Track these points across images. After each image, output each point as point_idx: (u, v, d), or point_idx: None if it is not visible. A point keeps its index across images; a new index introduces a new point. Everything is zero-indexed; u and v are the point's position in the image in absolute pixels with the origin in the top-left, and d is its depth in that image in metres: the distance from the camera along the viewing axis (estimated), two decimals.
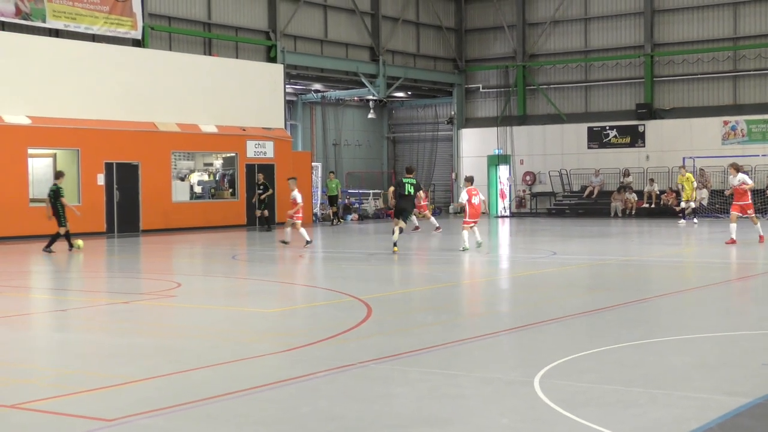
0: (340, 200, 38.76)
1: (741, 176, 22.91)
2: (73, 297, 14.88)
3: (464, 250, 21.29)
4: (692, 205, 32.99)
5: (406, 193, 21.96)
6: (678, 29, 40.39)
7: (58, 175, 24.01)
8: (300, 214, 24.45)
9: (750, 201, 23.05)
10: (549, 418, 6.62)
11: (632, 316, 11.64)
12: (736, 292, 14.17)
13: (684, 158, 37.10)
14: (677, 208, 35.30)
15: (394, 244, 21.20)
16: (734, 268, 18.18)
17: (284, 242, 24.22)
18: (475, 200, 21.77)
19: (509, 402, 7.15)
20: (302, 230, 23.95)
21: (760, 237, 22.49)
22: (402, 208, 21.89)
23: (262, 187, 32.21)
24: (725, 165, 37.49)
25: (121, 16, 31.21)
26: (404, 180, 22.16)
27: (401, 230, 21.70)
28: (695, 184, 33.54)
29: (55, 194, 23.50)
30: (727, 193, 23.17)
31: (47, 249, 22.83)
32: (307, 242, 23.59)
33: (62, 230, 23.28)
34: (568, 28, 42.91)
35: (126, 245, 26.20)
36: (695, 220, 32.97)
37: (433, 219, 30.07)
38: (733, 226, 22.46)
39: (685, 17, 40.21)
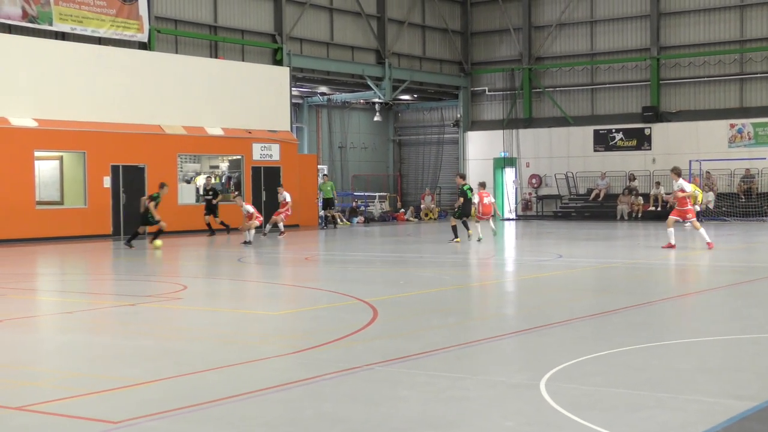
0: (337, 203, 38.71)
1: (680, 182, 22.67)
2: (79, 299, 14.90)
3: (479, 240, 25.55)
4: (696, 208, 32.94)
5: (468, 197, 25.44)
6: (684, 32, 40.35)
7: (162, 185, 26.18)
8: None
9: (690, 207, 22.77)
10: (555, 422, 6.60)
11: (638, 319, 11.62)
12: (741, 296, 14.14)
13: (690, 161, 37.04)
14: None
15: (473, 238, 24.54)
16: (739, 271, 18.14)
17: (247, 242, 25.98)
18: (486, 200, 25.62)
19: (514, 405, 7.14)
20: (250, 231, 26.44)
21: (708, 243, 22.00)
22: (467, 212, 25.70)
23: (211, 192, 31.59)
24: (732, 168, 37.56)
25: (128, 20, 31.26)
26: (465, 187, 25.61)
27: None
28: (697, 192, 33.47)
29: (152, 199, 25.71)
30: (668, 198, 22.61)
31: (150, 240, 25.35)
32: (247, 242, 25.95)
33: (162, 226, 25.47)
34: (574, 30, 42.89)
35: (132, 248, 26.23)
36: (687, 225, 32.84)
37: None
38: (671, 231, 22.21)
39: (691, 20, 40.18)
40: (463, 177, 27.49)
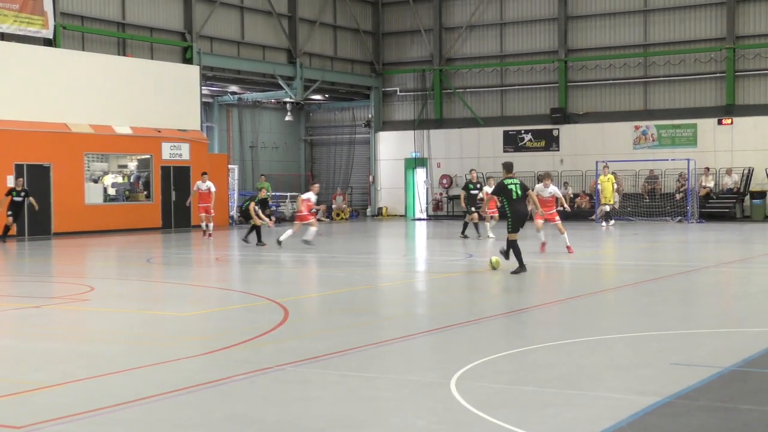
0: (271, 203, 38.66)
1: (553, 188, 23.02)
2: None
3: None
4: (606, 208, 33.68)
5: (515, 197, 17.21)
6: (591, 35, 41.15)
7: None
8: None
9: (555, 210, 22.83)
10: (465, 420, 6.67)
11: (547, 317, 11.81)
12: (646, 294, 14.47)
13: (597, 162, 37.77)
14: (600, 212, 36.02)
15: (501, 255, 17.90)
16: (645, 270, 18.57)
17: None
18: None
19: (426, 404, 7.20)
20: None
21: (568, 248, 21.69)
22: (522, 217, 17.43)
23: (23, 193, 28.28)
24: (637, 169, 38.41)
25: (32, 15, 30.55)
26: (507, 182, 17.34)
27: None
28: (615, 186, 34.29)
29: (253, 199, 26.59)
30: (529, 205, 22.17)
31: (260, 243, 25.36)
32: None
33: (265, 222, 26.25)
34: (484, 32, 43.37)
35: (37, 248, 25.66)
36: (612, 222, 33.65)
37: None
38: (541, 233, 22.29)
39: (597, 24, 40.99)
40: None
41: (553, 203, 22.79)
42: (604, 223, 33.63)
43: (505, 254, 17.21)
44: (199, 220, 29.37)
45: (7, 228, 27.88)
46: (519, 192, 17.14)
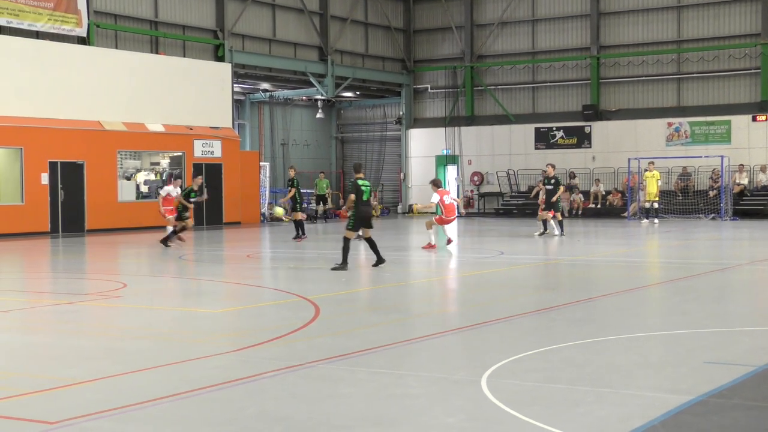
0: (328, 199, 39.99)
1: (436, 196, 22.74)
2: (16, 298, 14.65)
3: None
4: (655, 205, 33.68)
5: (365, 199, 17.91)
6: (623, 32, 40.87)
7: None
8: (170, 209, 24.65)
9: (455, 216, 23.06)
10: (496, 418, 6.65)
11: (579, 315, 11.74)
12: (679, 292, 14.36)
13: (629, 159, 37.54)
14: (633, 209, 35.94)
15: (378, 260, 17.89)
16: (678, 267, 18.43)
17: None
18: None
19: (456, 401, 7.17)
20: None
21: (428, 245, 22.21)
22: (365, 218, 18.03)
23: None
24: (670, 166, 38.11)
25: (66, 13, 30.80)
26: (360, 183, 17.95)
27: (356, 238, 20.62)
28: (659, 183, 34.21)
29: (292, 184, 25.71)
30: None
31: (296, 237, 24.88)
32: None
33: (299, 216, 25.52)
34: (515, 29, 43.20)
35: (70, 245, 25.87)
36: (656, 220, 33.49)
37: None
38: (432, 232, 22.46)
39: (630, 20, 40.71)
40: (553, 167, 27.58)
41: (453, 209, 22.91)
42: (645, 220, 33.56)
43: (343, 254, 17.41)
44: (168, 223, 24.76)
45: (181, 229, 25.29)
46: (369, 194, 18.00)
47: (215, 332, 10.85)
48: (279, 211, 24.33)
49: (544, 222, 26.84)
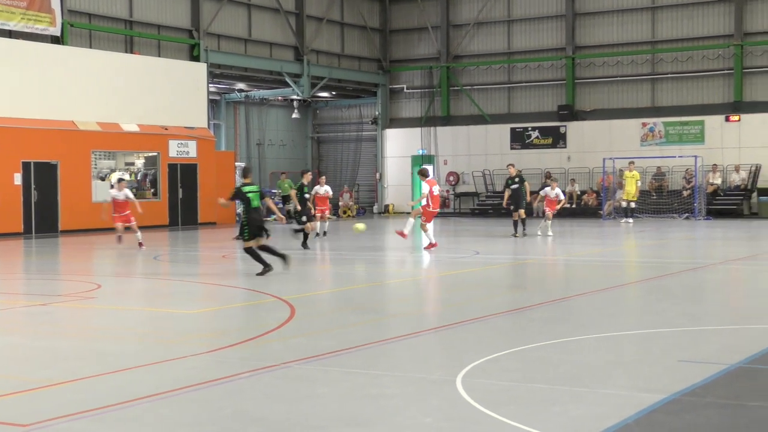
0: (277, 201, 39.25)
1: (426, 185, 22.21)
2: None
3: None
4: (632, 205, 34.01)
5: (254, 206, 16.92)
6: (598, 32, 41.07)
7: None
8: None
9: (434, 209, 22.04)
10: (472, 417, 6.67)
11: (554, 314, 11.80)
12: (653, 291, 14.46)
13: (604, 159, 37.73)
14: (608, 207, 36.23)
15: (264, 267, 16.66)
16: (653, 267, 18.55)
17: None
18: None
19: (432, 401, 7.19)
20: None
21: (430, 245, 21.58)
22: (258, 225, 16.81)
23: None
24: (644, 166, 38.33)
25: (39, 13, 30.59)
26: (246, 189, 17.04)
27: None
28: (639, 183, 34.56)
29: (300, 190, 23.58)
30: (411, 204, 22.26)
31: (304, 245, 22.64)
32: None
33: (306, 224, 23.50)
34: (491, 29, 43.31)
35: (44, 246, 25.71)
36: (630, 220, 33.74)
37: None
38: (428, 231, 21.87)
39: (605, 21, 40.91)
40: (514, 166, 27.43)
41: (435, 202, 22.34)
42: (623, 220, 33.81)
43: (257, 261, 16.60)
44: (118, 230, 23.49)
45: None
46: (258, 199, 16.96)
47: (191, 333, 10.82)
48: (360, 226, 23.10)
49: (521, 221, 26.64)
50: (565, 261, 19.89)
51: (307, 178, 23.94)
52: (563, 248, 23.35)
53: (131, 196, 23.81)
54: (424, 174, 22.77)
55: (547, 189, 26.66)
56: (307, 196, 23.46)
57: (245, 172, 17.81)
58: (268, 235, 16.86)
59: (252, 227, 16.56)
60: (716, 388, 7.43)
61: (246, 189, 16.86)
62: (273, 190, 42.79)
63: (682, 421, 6.53)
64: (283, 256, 16.41)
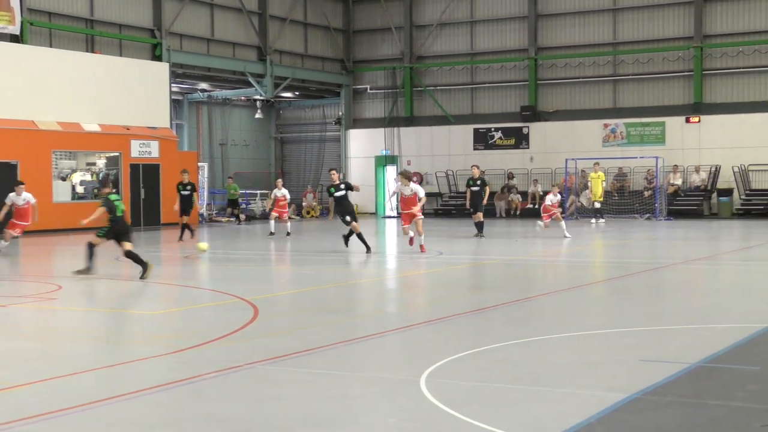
0: (241, 201, 39.65)
1: (413, 186, 21.54)
2: None
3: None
4: (597, 205, 34.33)
5: (120, 213, 17.21)
6: (560, 33, 41.33)
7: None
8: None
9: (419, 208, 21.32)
10: (435, 417, 6.69)
11: (517, 314, 11.86)
12: (615, 291, 14.57)
13: (567, 160, 37.98)
14: (571, 208, 36.54)
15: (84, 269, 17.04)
16: (614, 267, 18.70)
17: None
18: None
19: (396, 402, 7.20)
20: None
21: (422, 247, 20.99)
22: (117, 231, 17.20)
23: (189, 187, 27.29)
24: (606, 167, 38.63)
25: None
26: (112, 198, 17.32)
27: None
28: (604, 184, 34.88)
29: None
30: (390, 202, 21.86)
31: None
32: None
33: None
34: (454, 30, 43.44)
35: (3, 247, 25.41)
36: (602, 220, 34.02)
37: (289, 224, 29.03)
38: (407, 228, 21.32)
39: (567, 22, 41.17)
40: (478, 167, 27.51)
41: (414, 201, 21.36)
42: (593, 220, 34.06)
43: (87, 256, 16.95)
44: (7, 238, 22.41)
45: (184, 226, 26.62)
46: (122, 208, 17.32)
47: (153, 334, 10.75)
48: (202, 246, 21.49)
49: (477, 225, 26.46)
50: (527, 261, 19.99)
51: (335, 177, 23.19)
52: (526, 248, 23.46)
53: (32, 200, 22.17)
54: (410, 177, 21.93)
55: (550, 196, 26.60)
56: (339, 194, 22.43)
57: (105, 183, 18.11)
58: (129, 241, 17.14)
59: (111, 231, 16.98)
60: (677, 387, 7.50)
61: (113, 197, 17.26)
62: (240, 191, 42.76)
63: (644, 419, 6.59)
64: (144, 266, 16.47)
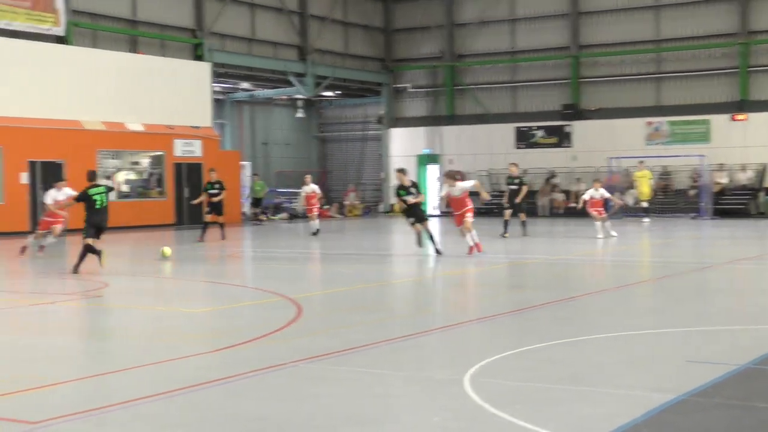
0: (266, 200, 39.41)
1: (461, 185, 20.53)
2: None
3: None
4: (644, 204, 34.02)
5: (99, 206, 17.73)
6: (602, 31, 40.99)
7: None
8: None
9: (470, 206, 20.48)
10: (479, 417, 6.64)
11: (561, 314, 11.76)
12: (661, 291, 14.41)
13: (610, 158, 37.67)
14: (613, 209, 36.17)
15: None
16: (659, 267, 18.50)
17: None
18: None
19: (439, 401, 7.16)
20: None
21: (470, 248, 20.10)
22: (97, 225, 17.85)
23: (217, 186, 26.74)
24: (650, 165, 38.26)
25: (44, 13, 30.60)
26: (92, 192, 17.78)
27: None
28: (651, 182, 34.56)
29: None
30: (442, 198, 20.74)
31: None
32: None
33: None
34: (495, 28, 43.25)
35: (51, 245, 25.70)
36: (647, 220, 33.65)
37: (316, 222, 28.41)
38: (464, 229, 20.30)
39: (609, 19, 40.82)
40: (516, 165, 27.46)
41: (464, 202, 20.43)
42: (646, 219, 33.60)
43: (79, 258, 17.59)
44: (39, 235, 22.33)
45: (205, 225, 26.68)
46: (104, 201, 17.74)
47: (196, 332, 10.80)
48: (166, 251, 20.55)
49: (506, 222, 26.26)
50: (571, 260, 19.84)
51: (403, 179, 20.94)
52: (570, 248, 23.30)
53: (72, 193, 21.33)
54: (454, 177, 20.88)
55: (591, 191, 25.61)
56: (410, 197, 20.53)
57: (91, 176, 18.23)
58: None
59: (91, 226, 17.57)
60: (725, 389, 7.38)
61: (92, 191, 17.60)
62: (280, 190, 42.92)
63: (691, 421, 6.49)
64: (77, 264, 17.22)
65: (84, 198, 17.69)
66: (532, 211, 39.50)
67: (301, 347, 9.42)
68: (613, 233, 25.40)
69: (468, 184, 20.75)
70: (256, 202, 39.03)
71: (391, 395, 7.35)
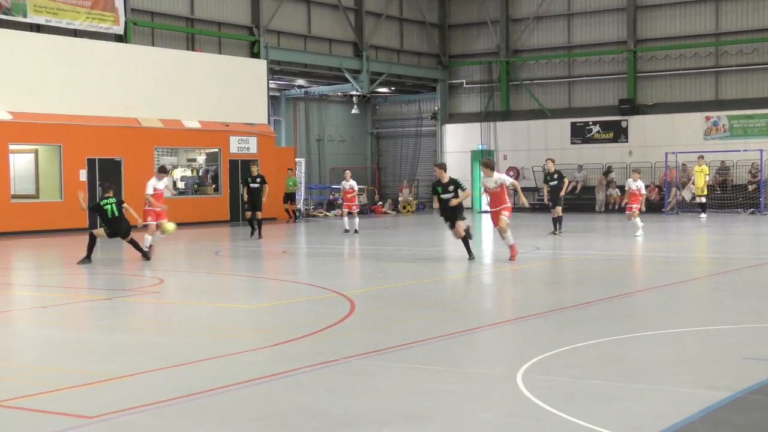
0: (299, 195, 38.92)
1: (498, 176, 18.43)
2: (54, 293, 14.80)
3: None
4: (702, 200, 33.66)
5: (110, 216, 18.90)
6: (660, 25, 40.52)
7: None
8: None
9: (508, 205, 18.45)
10: (532, 414, 6.62)
11: (615, 310, 11.67)
12: (717, 287, 14.23)
13: (667, 153, 37.24)
14: (671, 203, 35.80)
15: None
16: (716, 262, 18.26)
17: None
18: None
19: (492, 397, 7.16)
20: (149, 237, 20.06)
21: (511, 250, 18.27)
22: (114, 230, 19.11)
23: (258, 180, 26.63)
24: (708, 160, 37.76)
25: (103, 12, 31.06)
26: (103, 203, 19.00)
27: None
28: (707, 177, 34.19)
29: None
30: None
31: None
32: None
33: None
34: (551, 23, 42.97)
35: (108, 241, 26.05)
36: (704, 215, 33.21)
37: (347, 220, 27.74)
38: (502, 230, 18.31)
39: (667, 13, 40.34)
40: (553, 161, 27.71)
41: (503, 197, 18.53)
42: (703, 215, 33.19)
43: (88, 250, 18.90)
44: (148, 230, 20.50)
45: (250, 220, 26.45)
46: (116, 211, 18.99)
47: (252, 328, 10.90)
48: (169, 227, 20.08)
49: (555, 220, 25.85)
50: (626, 257, 19.66)
51: (442, 176, 18.45)
52: (626, 244, 23.08)
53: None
54: (492, 166, 18.64)
55: (629, 181, 24.74)
56: (446, 196, 18.28)
57: (106, 188, 19.50)
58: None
59: (110, 230, 19.07)
60: None
61: (103, 202, 18.87)
62: (335, 186, 43.05)
63: (748, 419, 6.41)
64: (88, 256, 18.59)
65: (96, 209, 19.07)
66: (590, 207, 39.26)
67: (355, 342, 9.47)
68: (638, 234, 23.87)
69: (507, 179, 18.70)
70: (288, 198, 36.87)
71: (445, 391, 7.36)
